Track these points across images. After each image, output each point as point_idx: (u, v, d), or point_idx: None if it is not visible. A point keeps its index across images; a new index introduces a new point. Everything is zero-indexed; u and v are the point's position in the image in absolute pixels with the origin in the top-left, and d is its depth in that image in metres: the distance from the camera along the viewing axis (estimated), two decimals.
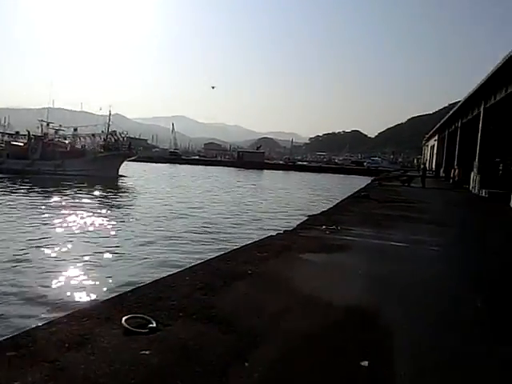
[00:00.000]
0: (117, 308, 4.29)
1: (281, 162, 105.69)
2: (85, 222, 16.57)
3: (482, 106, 26.39)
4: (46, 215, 17.57)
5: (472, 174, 26.54)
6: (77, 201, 23.57)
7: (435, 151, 56.76)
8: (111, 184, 36.24)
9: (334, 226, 9.85)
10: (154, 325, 3.85)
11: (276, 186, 45.80)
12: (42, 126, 46.23)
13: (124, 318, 3.89)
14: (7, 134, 49.14)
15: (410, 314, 4.64)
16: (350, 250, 7.70)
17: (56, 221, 16.50)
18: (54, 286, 8.68)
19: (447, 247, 8.81)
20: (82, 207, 21.04)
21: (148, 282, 5.82)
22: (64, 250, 11.90)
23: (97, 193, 28.90)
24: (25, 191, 27.52)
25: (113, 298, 4.80)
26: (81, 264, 10.38)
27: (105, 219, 17.59)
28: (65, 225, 15.79)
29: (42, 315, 6.56)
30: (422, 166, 37.91)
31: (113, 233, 14.71)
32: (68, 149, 45.88)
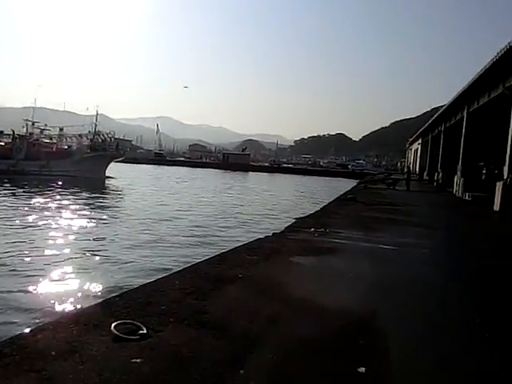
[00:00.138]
0: (105, 314, 4.15)
1: (266, 165, 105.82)
2: (69, 225, 16.20)
3: (466, 111, 26.83)
4: (29, 217, 17.14)
5: (455, 177, 26.94)
6: (61, 202, 23.03)
7: (419, 155, 57.59)
8: (98, 185, 35.69)
9: (322, 229, 9.84)
10: (145, 331, 3.73)
11: (262, 188, 45.76)
12: (27, 125, 45.33)
13: (113, 325, 3.76)
14: None
15: (402, 316, 4.62)
16: (340, 253, 7.68)
17: (39, 223, 16.08)
18: (37, 291, 8.37)
19: (435, 250, 8.87)
20: (67, 209, 20.59)
21: (136, 286, 5.70)
22: (47, 253, 11.57)
23: (83, 194, 28.38)
24: (7, 192, 26.87)
25: (100, 303, 4.67)
26: (65, 268, 10.06)
27: (90, 222, 17.23)
28: (48, 227, 15.38)
29: (26, 322, 6.31)
30: (406, 170, 38.32)
31: (98, 236, 14.38)
32: (54, 149, 45.06)
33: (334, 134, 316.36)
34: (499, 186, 16.89)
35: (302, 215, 14.76)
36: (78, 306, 5.09)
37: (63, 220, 17.22)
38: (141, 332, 3.70)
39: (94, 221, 17.49)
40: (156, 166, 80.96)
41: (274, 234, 9.76)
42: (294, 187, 51.14)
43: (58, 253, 11.54)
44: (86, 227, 16.04)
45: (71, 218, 17.74)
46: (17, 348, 3.33)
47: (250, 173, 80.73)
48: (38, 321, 6.15)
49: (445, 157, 34.35)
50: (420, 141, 55.91)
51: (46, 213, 18.91)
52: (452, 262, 7.89)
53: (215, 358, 3.36)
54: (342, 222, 11.57)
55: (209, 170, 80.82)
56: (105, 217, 19.17)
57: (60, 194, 27.07)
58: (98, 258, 11.26)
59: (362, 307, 4.82)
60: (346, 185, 42.61)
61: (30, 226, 15.47)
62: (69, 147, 46.66)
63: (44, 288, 8.57)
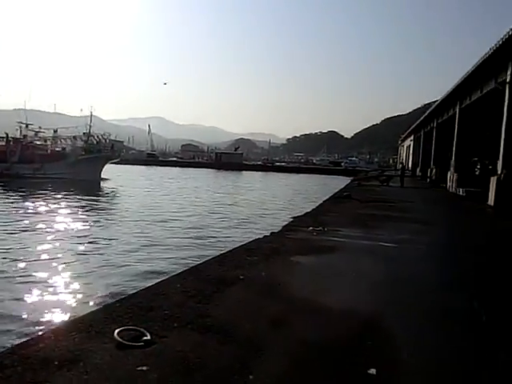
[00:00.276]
0: (106, 320, 4.06)
1: (259, 163, 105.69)
2: (65, 229, 15.99)
3: (458, 107, 26.94)
4: (23, 222, 16.90)
5: (449, 173, 27.05)
6: (56, 206, 22.75)
7: (411, 151, 57.81)
8: (93, 187, 35.40)
9: (320, 228, 9.79)
10: (149, 337, 3.64)
11: (256, 188, 45.72)
12: (20, 127, 44.78)
13: (116, 331, 3.67)
14: None
15: (408, 316, 4.58)
16: (340, 251, 7.63)
17: (33, 227, 15.85)
18: (34, 298, 8.16)
19: (434, 247, 8.88)
20: (62, 212, 20.33)
21: (136, 290, 5.61)
22: (43, 258, 11.37)
23: (78, 197, 28.05)
24: (1, 196, 26.54)
25: (101, 308, 4.58)
26: (62, 273, 9.86)
27: (86, 225, 17.03)
28: (43, 232, 15.14)
29: (24, 330, 6.17)
30: (400, 166, 38.47)
31: (95, 239, 14.16)
32: (48, 151, 44.54)
33: (325, 131, 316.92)
34: (493, 181, 16.97)
35: (299, 214, 14.68)
36: (78, 313, 4.96)
37: (58, 224, 17.00)
38: (145, 338, 3.62)
39: (89, 224, 17.31)
40: (149, 166, 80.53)
41: (272, 233, 9.69)
42: (288, 185, 51.11)
43: (53, 258, 11.35)
44: (82, 231, 15.83)
45: (66, 222, 17.52)
46: (18, 358, 3.23)
47: (244, 172, 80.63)
48: (37, 329, 6.02)
49: (437, 153, 34.48)
50: (412, 137, 56.13)
51: (41, 217, 18.66)
52: (452, 259, 7.89)
53: (223, 364, 3.28)
54: (340, 220, 11.53)
55: (202, 169, 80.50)
56: (101, 219, 18.97)
57: (55, 197, 26.73)
58: (94, 262, 11.07)
59: (367, 307, 4.76)
60: (339, 182, 42.69)
61: (25, 231, 15.26)
62: (63, 149, 46.13)
63: (41, 295, 8.38)
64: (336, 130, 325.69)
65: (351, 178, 47.64)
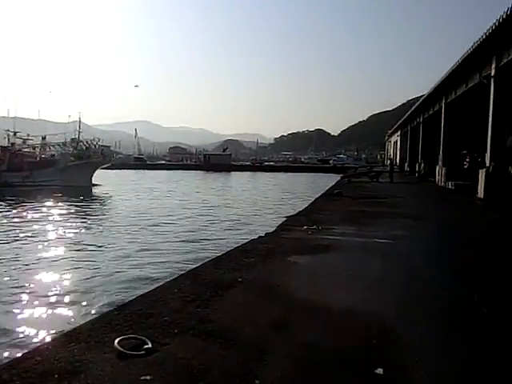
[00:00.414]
0: (105, 329, 3.97)
1: (248, 164, 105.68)
2: (56, 237, 15.74)
3: (443, 101, 27.21)
4: (13, 231, 16.61)
5: (437, 167, 27.30)
6: (47, 213, 22.42)
7: (398, 146, 58.25)
8: (84, 193, 34.97)
9: (314, 226, 9.77)
10: (150, 345, 3.57)
11: (247, 188, 45.70)
12: (8, 135, 44.12)
13: (116, 340, 3.59)
14: None
15: (409, 314, 4.57)
16: (336, 250, 7.61)
17: (24, 236, 15.58)
18: (28, 309, 7.95)
19: (428, 241, 8.93)
20: (53, 220, 20.06)
21: (132, 297, 5.52)
22: (34, 267, 11.15)
23: (69, 204, 27.69)
24: None
25: (98, 318, 4.48)
26: (55, 283, 9.65)
27: (78, 232, 16.81)
28: (34, 241, 14.86)
29: (21, 344, 6.02)
30: (389, 162, 38.76)
31: (87, 246, 13.94)
32: (37, 159, 43.93)
33: (313, 129, 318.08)
34: (482, 173, 17.15)
35: (292, 213, 14.66)
36: (75, 323, 4.85)
37: (49, 232, 16.76)
38: (146, 347, 3.54)
39: (81, 231, 17.12)
40: (137, 170, 79.98)
41: (266, 233, 9.64)
42: (278, 185, 51.18)
43: (45, 267, 11.15)
44: (74, 238, 15.60)
45: (57, 230, 17.29)
46: (17, 373, 3.14)
47: (233, 173, 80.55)
48: (33, 341, 5.89)
49: (425, 147, 34.80)
50: (399, 132, 56.57)
51: (31, 225, 18.34)
52: (447, 254, 7.92)
53: (227, 369, 3.23)
54: (333, 218, 11.54)
55: (191, 172, 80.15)
56: (93, 226, 18.76)
57: (45, 205, 26.35)
58: (88, 270, 10.89)
59: (367, 306, 4.73)
60: (329, 180, 42.82)
61: (15, 240, 15.01)
62: (52, 156, 45.52)
63: (35, 306, 8.17)
64: (323, 128, 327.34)
65: (340, 175, 47.75)
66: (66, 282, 9.69)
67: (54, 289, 9.20)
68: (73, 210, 24.76)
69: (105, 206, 29.28)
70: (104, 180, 45.79)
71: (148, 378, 3.09)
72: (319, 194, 21.93)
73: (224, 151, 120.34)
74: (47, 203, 27.35)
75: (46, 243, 14.40)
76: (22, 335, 6.58)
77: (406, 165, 44.92)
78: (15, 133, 44.57)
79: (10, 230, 16.87)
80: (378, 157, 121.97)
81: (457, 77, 22.15)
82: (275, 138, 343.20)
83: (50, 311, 7.83)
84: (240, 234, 15.58)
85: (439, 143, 27.46)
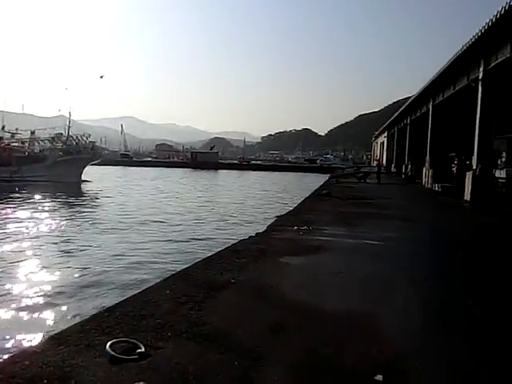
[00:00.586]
0: (96, 331, 3.84)
1: (235, 162, 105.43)
2: (42, 235, 15.15)
3: (431, 103, 27.48)
4: None
5: (424, 169, 27.56)
6: (33, 210, 21.71)
7: (385, 147, 58.70)
8: (73, 190, 34.30)
9: (305, 227, 9.73)
10: (143, 349, 3.45)
11: (235, 187, 45.53)
12: None
13: (108, 344, 3.46)
14: None
15: (404, 315, 4.54)
16: (328, 251, 7.57)
17: (9, 234, 15.07)
18: (12, 312, 7.64)
19: (418, 243, 8.99)
20: (39, 217, 19.43)
21: (123, 298, 5.38)
22: (19, 268, 10.67)
23: (57, 200, 27.05)
24: None
25: (88, 319, 4.32)
26: (40, 284, 9.25)
27: (65, 231, 16.31)
28: (19, 239, 14.25)
29: (7, 347, 5.82)
30: (376, 163, 39.04)
31: (74, 246, 13.44)
32: (26, 153, 43.01)
33: (300, 129, 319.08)
34: (469, 176, 17.34)
35: (281, 213, 14.61)
36: (64, 325, 4.69)
37: (35, 230, 16.17)
38: (139, 351, 3.42)
39: (68, 229, 16.67)
40: (123, 167, 79.05)
41: (257, 233, 9.57)
42: (266, 184, 51.16)
43: (30, 267, 10.74)
44: (61, 237, 15.01)
45: (43, 228, 16.75)
46: (3, 378, 3.00)
47: (220, 171, 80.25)
48: (20, 345, 5.69)
49: (412, 149, 35.13)
50: (386, 134, 57.01)
51: (16, 223, 17.72)
52: (438, 256, 7.98)
53: (225, 375, 3.13)
54: (323, 219, 11.51)
55: (178, 169, 79.51)
56: (80, 224, 18.22)
57: (32, 202, 25.65)
58: (75, 270, 10.44)
59: (362, 308, 4.70)
60: (317, 180, 42.92)
61: None
62: (41, 151, 44.63)
63: (20, 308, 7.78)
64: (310, 128, 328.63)
65: (327, 175, 47.99)
66: (53, 283, 9.34)
67: (40, 289, 8.81)
68: (60, 207, 24.23)
69: (93, 203, 28.69)
70: (90, 176, 45.06)
71: (142, 383, 2.98)
72: (308, 194, 21.95)
73: (211, 149, 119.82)
74: (34, 199, 26.67)
75: (31, 242, 13.99)
76: (7, 338, 6.32)
77: (393, 166, 45.31)
78: (3, 126, 43.62)
79: None
80: (364, 157, 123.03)
81: (445, 79, 22.39)
82: (262, 137, 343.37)
83: (37, 313, 7.51)
84: (230, 234, 15.40)
85: (426, 145, 27.74)
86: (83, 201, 29.35)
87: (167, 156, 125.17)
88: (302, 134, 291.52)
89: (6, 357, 3.80)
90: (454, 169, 21.77)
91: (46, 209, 22.93)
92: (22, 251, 12.61)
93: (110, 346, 3.44)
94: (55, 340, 3.74)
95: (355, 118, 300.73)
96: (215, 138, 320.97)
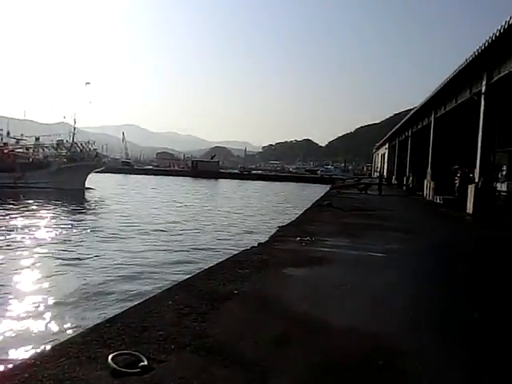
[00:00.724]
0: (97, 343, 3.75)
1: (236, 171, 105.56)
2: (43, 243, 14.98)
3: (433, 116, 27.53)
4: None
5: (425, 181, 27.53)
6: (36, 218, 21.62)
7: (386, 159, 58.77)
8: (77, 197, 34.18)
9: (308, 238, 9.64)
10: (146, 362, 3.36)
11: (236, 196, 45.48)
12: (1, 135, 43.19)
13: (110, 357, 3.38)
14: None
15: (411, 329, 4.46)
16: (331, 263, 7.48)
17: (10, 242, 14.90)
18: (12, 323, 7.49)
19: (422, 255, 8.92)
20: (41, 225, 19.29)
21: (124, 308, 5.29)
22: (19, 278, 10.53)
23: (60, 208, 26.86)
24: None
25: (89, 331, 4.23)
26: (40, 294, 9.14)
27: (66, 240, 16.15)
28: (20, 248, 14.10)
29: (5, 358, 5.70)
30: (377, 174, 39.06)
31: (75, 255, 13.38)
32: (30, 160, 42.96)
33: (300, 140, 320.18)
34: (471, 188, 17.29)
35: (283, 223, 14.53)
36: (64, 336, 4.59)
37: (36, 238, 15.99)
38: (142, 364, 3.34)
39: (70, 238, 16.50)
40: (124, 175, 79.03)
41: (259, 244, 9.49)
42: (267, 194, 51.10)
43: (30, 276, 10.60)
44: (62, 247, 14.85)
45: (45, 236, 16.57)
46: None
47: (220, 180, 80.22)
48: (19, 356, 5.58)
49: (413, 161, 35.14)
50: (387, 145, 57.12)
51: (18, 230, 17.57)
52: (440, 269, 7.87)
53: None
54: (325, 229, 11.44)
55: (179, 178, 79.47)
56: (82, 233, 18.06)
57: (35, 209, 25.52)
58: (76, 280, 10.29)
59: (367, 322, 4.61)
60: (318, 190, 42.88)
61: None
62: (45, 158, 44.56)
63: (20, 318, 7.70)
64: (311, 139, 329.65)
65: (328, 186, 47.96)
66: (54, 292, 9.19)
67: (40, 299, 8.67)
68: (63, 215, 24.05)
69: (95, 211, 28.55)
70: (93, 183, 45.00)
71: None
72: (310, 205, 21.87)
73: (212, 158, 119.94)
74: (37, 206, 26.56)
75: (32, 250, 13.84)
76: (6, 349, 6.20)
77: (394, 178, 45.30)
78: (8, 132, 43.68)
79: None
80: (365, 169, 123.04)
81: (447, 92, 22.45)
82: (263, 147, 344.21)
83: (37, 323, 7.36)
84: (231, 244, 15.33)
85: (427, 157, 27.73)
86: (85, 208, 29.25)
87: (168, 164, 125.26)
88: (303, 144, 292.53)
89: (4, 369, 3.72)
90: (456, 181, 21.72)
91: (49, 216, 22.79)
92: (22, 259, 12.50)
93: (112, 358, 3.36)
94: (55, 351, 3.66)
95: (356, 130, 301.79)
96: (216, 147, 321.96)
